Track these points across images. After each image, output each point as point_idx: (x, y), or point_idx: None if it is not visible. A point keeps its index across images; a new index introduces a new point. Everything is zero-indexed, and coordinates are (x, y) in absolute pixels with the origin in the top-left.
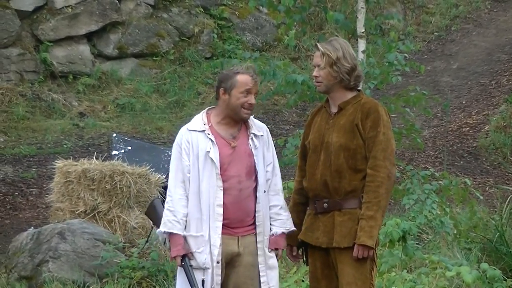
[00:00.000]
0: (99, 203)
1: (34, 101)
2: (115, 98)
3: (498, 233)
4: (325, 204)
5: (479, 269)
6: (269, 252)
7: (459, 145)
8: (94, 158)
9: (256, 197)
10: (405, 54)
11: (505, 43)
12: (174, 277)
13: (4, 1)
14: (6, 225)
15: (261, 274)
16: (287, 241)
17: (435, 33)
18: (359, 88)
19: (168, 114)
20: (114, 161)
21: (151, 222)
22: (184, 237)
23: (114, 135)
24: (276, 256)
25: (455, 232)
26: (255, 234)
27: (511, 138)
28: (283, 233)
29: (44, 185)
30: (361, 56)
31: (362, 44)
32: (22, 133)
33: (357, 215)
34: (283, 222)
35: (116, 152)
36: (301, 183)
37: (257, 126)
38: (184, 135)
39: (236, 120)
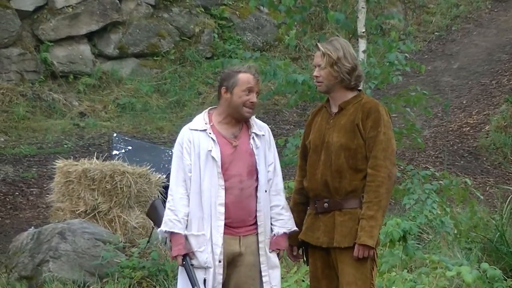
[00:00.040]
0: (99, 203)
1: (35, 101)
2: (115, 98)
3: (498, 233)
4: (326, 204)
5: (479, 269)
6: (270, 252)
7: (459, 145)
8: (95, 158)
9: (257, 196)
10: (406, 54)
11: (506, 43)
12: (175, 277)
13: (4, 1)
14: (7, 225)
15: (263, 274)
16: (288, 241)
17: (436, 33)
18: (359, 88)
19: (169, 114)
20: (114, 161)
21: (152, 222)
22: (185, 237)
23: (115, 135)
24: (278, 256)
25: (455, 232)
26: (257, 234)
27: (511, 138)
28: (284, 233)
29: (45, 185)
30: (361, 56)
31: (362, 44)
32: (22, 133)
33: (357, 215)
34: (285, 222)
35: (117, 152)
36: (301, 183)
37: (259, 126)
38: (185, 134)
39: (237, 119)
